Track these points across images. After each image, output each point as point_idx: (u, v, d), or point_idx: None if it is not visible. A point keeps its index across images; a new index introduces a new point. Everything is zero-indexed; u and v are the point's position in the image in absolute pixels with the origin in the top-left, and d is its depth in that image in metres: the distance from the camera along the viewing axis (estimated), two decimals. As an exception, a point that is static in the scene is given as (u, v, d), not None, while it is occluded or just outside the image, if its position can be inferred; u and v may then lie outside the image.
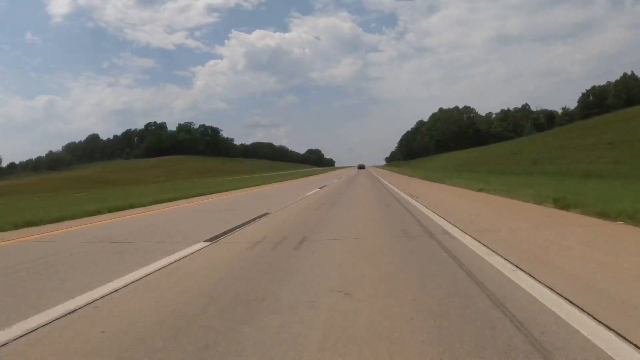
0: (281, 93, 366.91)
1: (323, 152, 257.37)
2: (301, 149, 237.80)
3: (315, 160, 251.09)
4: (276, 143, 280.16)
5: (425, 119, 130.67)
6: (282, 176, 42.32)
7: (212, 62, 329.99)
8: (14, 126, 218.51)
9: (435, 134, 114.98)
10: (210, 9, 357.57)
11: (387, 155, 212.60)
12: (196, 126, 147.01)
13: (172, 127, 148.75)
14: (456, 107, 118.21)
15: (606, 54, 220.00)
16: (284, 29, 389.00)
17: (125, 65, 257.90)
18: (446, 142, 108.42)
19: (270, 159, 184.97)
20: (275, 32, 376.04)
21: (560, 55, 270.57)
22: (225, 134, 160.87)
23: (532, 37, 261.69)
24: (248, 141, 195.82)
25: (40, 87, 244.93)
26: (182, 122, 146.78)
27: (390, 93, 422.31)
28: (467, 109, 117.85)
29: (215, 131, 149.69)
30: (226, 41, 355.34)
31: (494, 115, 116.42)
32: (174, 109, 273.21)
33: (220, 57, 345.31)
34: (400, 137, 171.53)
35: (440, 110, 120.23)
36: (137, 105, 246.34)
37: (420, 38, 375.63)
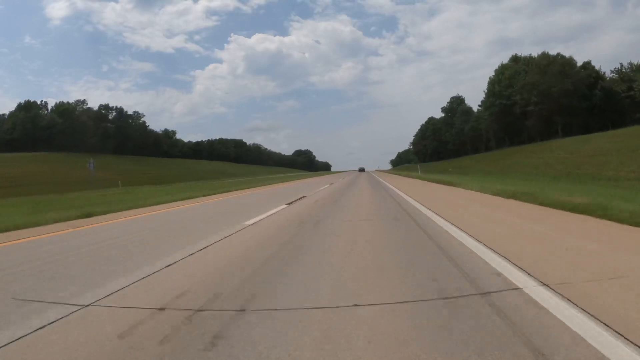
0: (281, 97, 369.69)
1: (319, 154, 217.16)
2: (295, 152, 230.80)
3: (305, 163, 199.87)
4: (275, 148, 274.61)
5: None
6: (160, 193, 22.22)
7: (211, 66, 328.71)
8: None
9: (521, 100, 58.80)
10: (210, 13, 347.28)
11: (393, 157, 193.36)
12: (94, 107, 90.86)
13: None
14: (544, 53, 62.07)
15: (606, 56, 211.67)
16: (284, 32, 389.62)
17: (124, 69, 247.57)
18: (539, 115, 53.50)
19: (236, 161, 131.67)
20: (275, 36, 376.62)
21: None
22: (150, 123, 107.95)
23: (532, 41, 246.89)
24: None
25: (40, 91, 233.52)
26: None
27: (390, 97, 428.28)
28: (560, 57, 61.96)
29: (127, 117, 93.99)
30: (226, 45, 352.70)
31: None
32: (174, 113, 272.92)
33: (220, 61, 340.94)
34: (400, 139, 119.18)
35: (515, 59, 65.23)
36: (137, 109, 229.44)
37: (420, 42, 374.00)
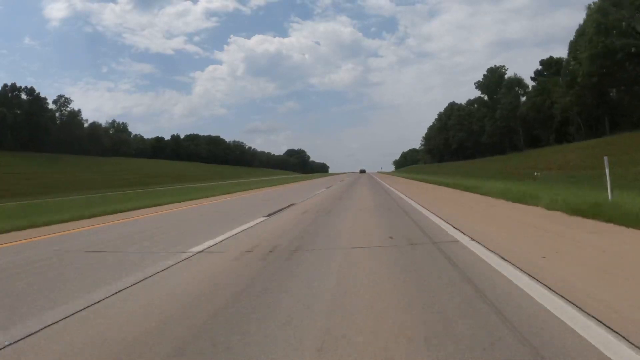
0: (281, 98, 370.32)
1: (319, 155, 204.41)
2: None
3: (297, 164, 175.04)
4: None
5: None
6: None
7: (211, 67, 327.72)
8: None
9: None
10: (209, 14, 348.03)
11: (394, 159, 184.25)
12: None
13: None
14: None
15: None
16: (284, 34, 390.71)
17: (124, 71, 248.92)
18: None
19: (207, 161, 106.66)
20: (274, 37, 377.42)
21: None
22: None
23: (533, 42, 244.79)
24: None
25: (40, 92, 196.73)
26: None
27: (390, 98, 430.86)
28: None
29: (42, 103, 66.33)
30: (225, 46, 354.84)
31: None
32: (174, 114, 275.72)
33: (220, 62, 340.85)
34: (400, 140, 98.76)
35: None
36: (137, 110, 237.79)
37: (420, 43, 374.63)
